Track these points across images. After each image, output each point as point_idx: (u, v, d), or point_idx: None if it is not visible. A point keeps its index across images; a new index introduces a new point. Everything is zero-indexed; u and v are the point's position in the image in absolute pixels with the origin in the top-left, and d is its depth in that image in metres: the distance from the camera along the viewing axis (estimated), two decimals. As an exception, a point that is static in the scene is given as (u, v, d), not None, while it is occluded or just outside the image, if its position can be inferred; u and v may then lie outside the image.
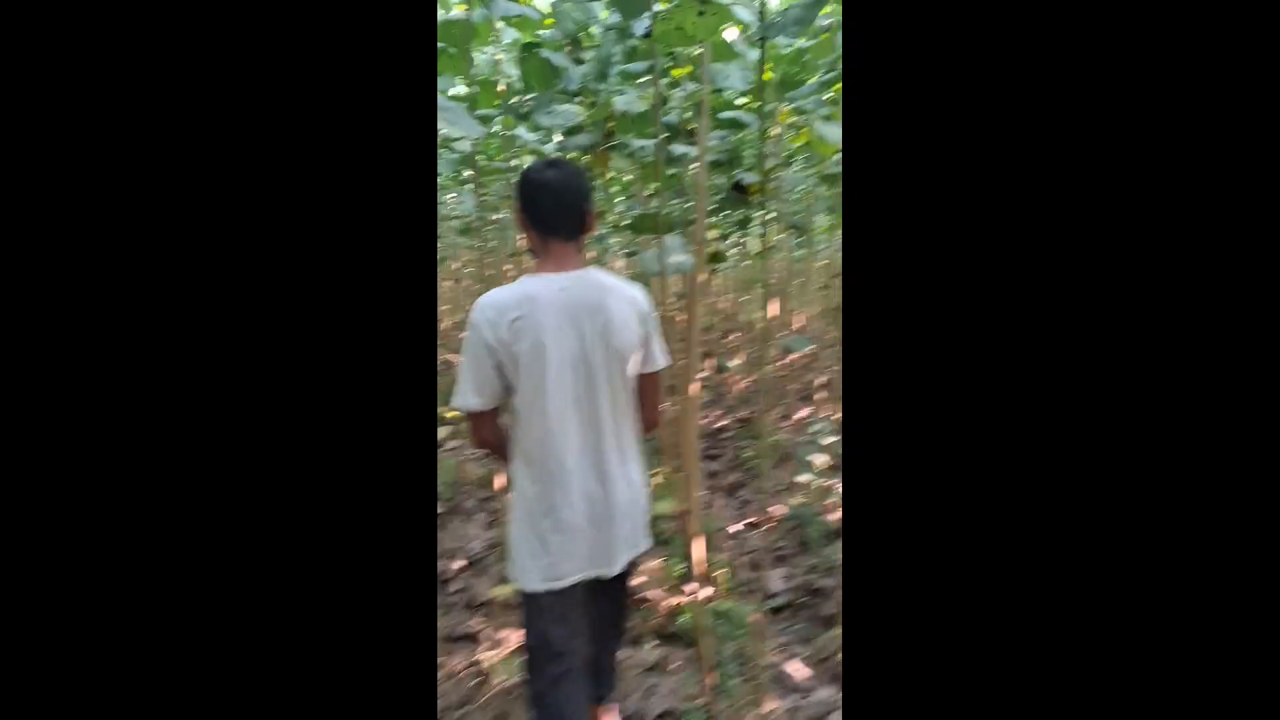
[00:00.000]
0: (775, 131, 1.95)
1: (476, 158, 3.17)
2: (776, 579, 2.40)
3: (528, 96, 1.95)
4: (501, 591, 2.27)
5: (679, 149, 1.99)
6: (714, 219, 2.93)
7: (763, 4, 1.01)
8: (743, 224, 3.31)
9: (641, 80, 1.91)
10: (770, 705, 1.78)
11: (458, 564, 2.54)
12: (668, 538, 2.62)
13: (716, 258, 2.84)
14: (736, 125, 2.18)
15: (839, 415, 4.06)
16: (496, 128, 2.57)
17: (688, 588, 2.28)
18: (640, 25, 1.50)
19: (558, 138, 2.25)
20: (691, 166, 2.22)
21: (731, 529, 2.84)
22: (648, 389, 1.36)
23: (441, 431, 3.82)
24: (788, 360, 4.38)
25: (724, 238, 3.55)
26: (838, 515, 2.82)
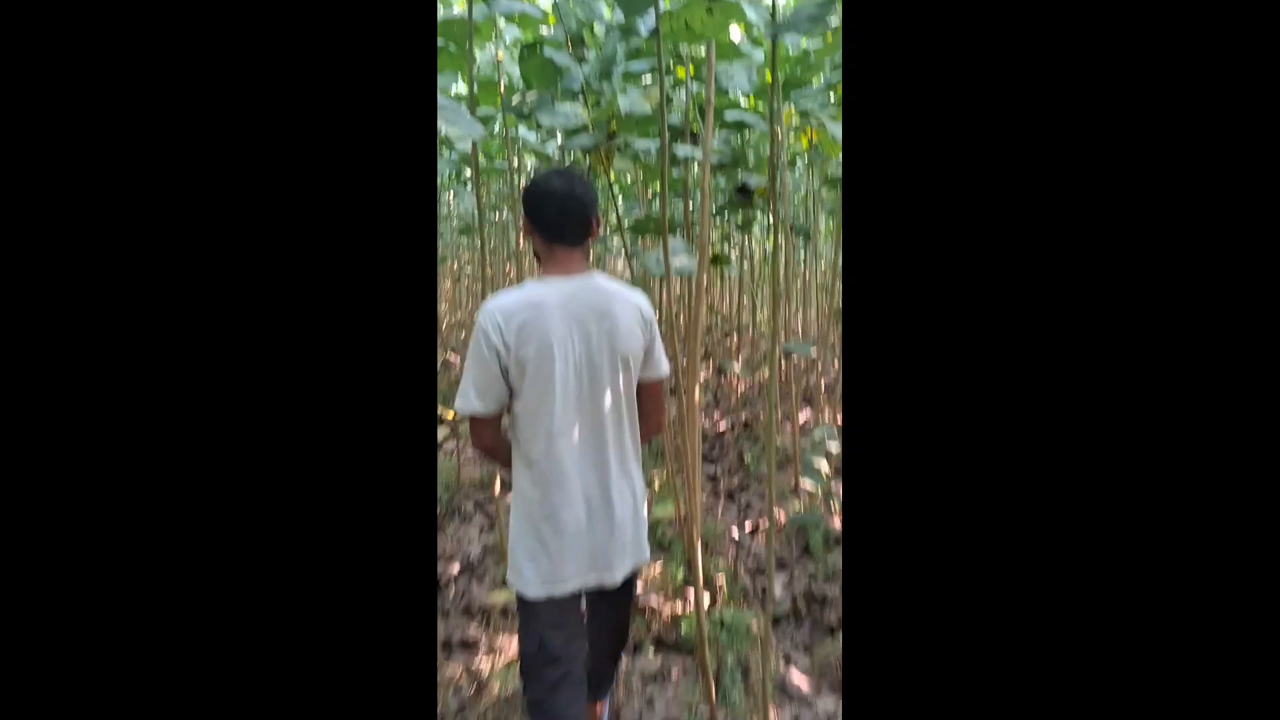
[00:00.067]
0: (779, 133, 1.92)
1: (477, 157, 3.15)
2: (778, 586, 2.37)
3: (529, 96, 1.92)
4: (499, 597, 2.24)
5: (682, 150, 1.96)
6: (716, 221, 2.90)
7: (774, 2, 0.99)
8: (745, 226, 3.29)
9: (645, 81, 1.89)
10: (772, 715, 1.75)
11: (455, 568, 2.51)
12: (668, 542, 2.60)
13: (718, 260, 2.82)
14: (740, 126, 2.16)
15: (840, 419, 4.03)
16: (497, 127, 2.54)
17: (689, 595, 2.25)
18: (645, 23, 1.48)
19: (559, 138, 2.22)
20: (694, 168, 2.19)
21: (733, 534, 2.81)
22: (650, 396, 1.36)
23: (439, 432, 3.80)
24: (789, 362, 4.37)
25: (726, 239, 3.52)
26: (840, 521, 2.79)
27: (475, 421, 1.26)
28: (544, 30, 2.02)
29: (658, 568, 2.40)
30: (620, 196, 3.73)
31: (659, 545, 2.58)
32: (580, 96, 1.89)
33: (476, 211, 2.60)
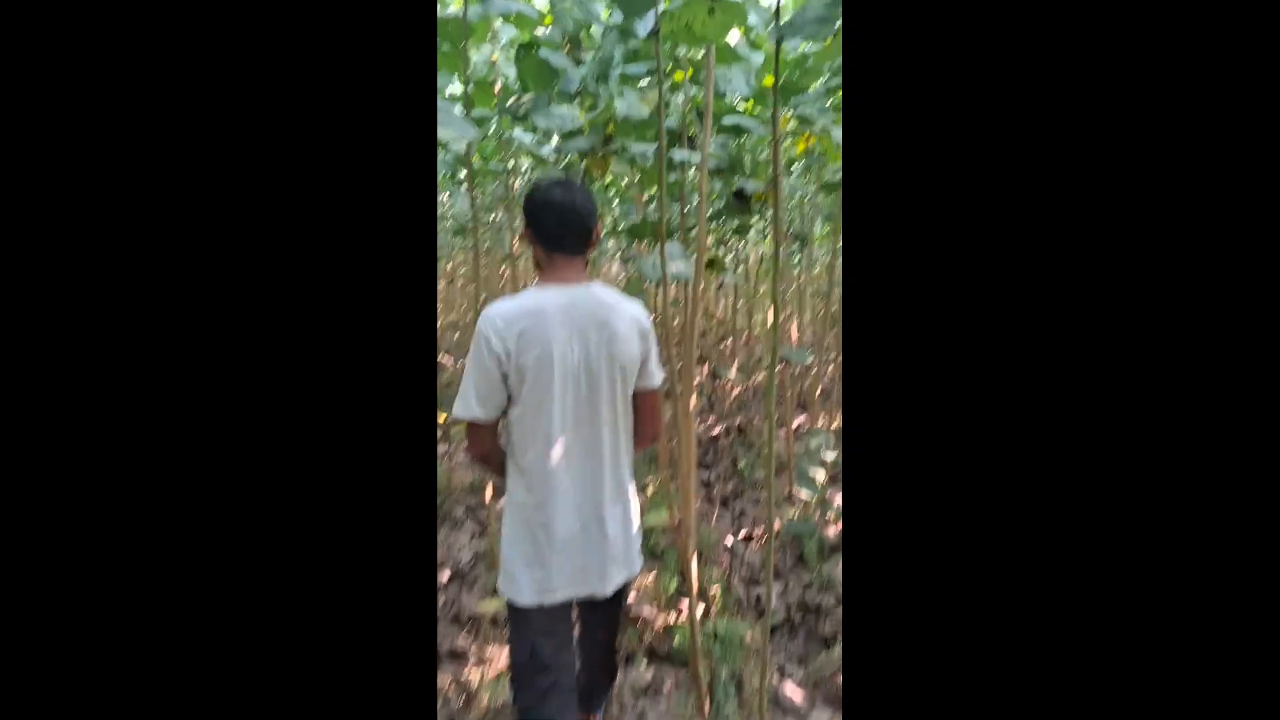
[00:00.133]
0: (777, 138, 1.90)
1: (472, 158, 3.11)
2: (773, 596, 2.34)
3: (525, 97, 1.89)
4: (490, 606, 2.20)
5: (679, 154, 1.94)
6: (712, 225, 2.89)
7: (777, 7, 0.96)
8: (741, 231, 3.27)
9: (642, 84, 1.86)
10: (766, 731, 1.72)
11: (445, 576, 2.47)
12: (661, 551, 2.57)
13: (714, 265, 2.79)
14: (738, 131, 2.13)
15: (837, 425, 4.02)
16: (494, 128, 2.51)
17: (682, 605, 2.22)
18: (644, 25, 1.45)
19: (555, 140, 2.19)
20: (691, 172, 2.17)
21: (727, 542, 2.78)
22: (645, 405, 1.36)
23: (431, 436, 3.75)
24: (784, 367, 4.35)
25: (721, 244, 3.50)
26: (835, 530, 2.77)
27: (474, 427, 1.26)
28: (541, 31, 1.99)
29: (651, 577, 2.37)
30: (617, 200, 3.70)
31: (652, 554, 2.55)
32: (577, 99, 1.86)
33: (471, 213, 2.56)
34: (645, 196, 2.83)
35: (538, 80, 1.77)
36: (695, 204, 2.36)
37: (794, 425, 4.07)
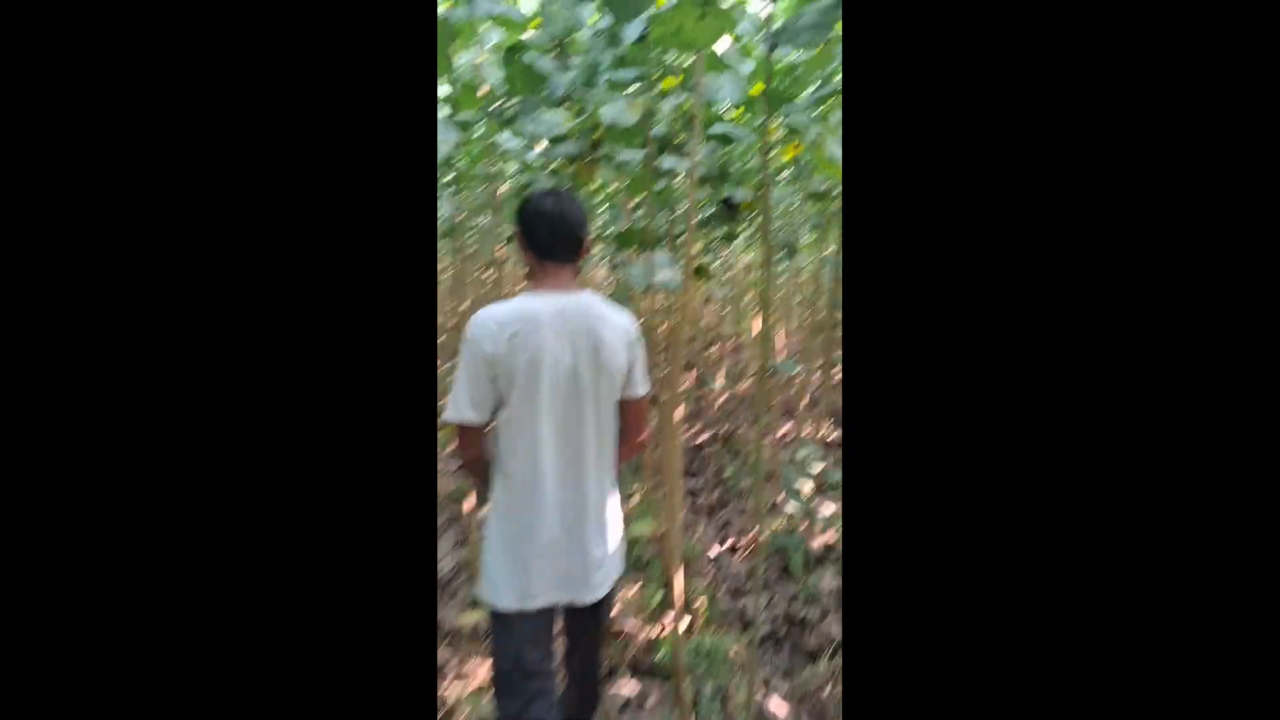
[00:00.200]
0: (766, 147, 1.89)
1: (456, 162, 3.07)
2: (757, 608, 2.32)
3: (511, 101, 1.86)
4: (469, 619, 2.16)
5: (667, 162, 1.92)
6: (700, 233, 2.87)
7: (770, 16, 0.94)
8: (728, 238, 3.26)
9: (630, 90, 1.84)
10: (751, 748, 1.69)
11: (425, 587, 2.42)
12: (646, 562, 2.53)
13: (701, 272, 2.78)
14: (726, 140, 2.12)
15: (823, 434, 4.01)
16: (480, 132, 2.47)
17: (666, 618, 2.19)
18: (632, 29, 1.43)
19: (542, 145, 2.17)
20: (679, 180, 2.15)
21: (712, 553, 2.75)
22: (631, 414, 1.37)
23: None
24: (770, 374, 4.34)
25: (708, 251, 3.50)
26: (820, 541, 2.75)
27: (465, 431, 1.27)
28: (528, 35, 1.97)
29: (635, 590, 2.34)
30: (606, 206, 3.68)
31: (636, 565, 2.51)
32: (564, 104, 1.84)
33: (453, 217, 2.53)
34: (632, 204, 2.81)
35: (524, 84, 1.74)
36: (683, 211, 2.34)
37: (780, 434, 4.06)
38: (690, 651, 2.00)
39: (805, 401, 4.30)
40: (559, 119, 1.75)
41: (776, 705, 1.87)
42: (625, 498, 3.09)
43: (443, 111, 2.10)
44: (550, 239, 1.27)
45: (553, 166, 2.31)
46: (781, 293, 5.17)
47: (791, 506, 2.67)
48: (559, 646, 1.45)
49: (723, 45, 1.88)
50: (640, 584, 2.37)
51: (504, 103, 1.92)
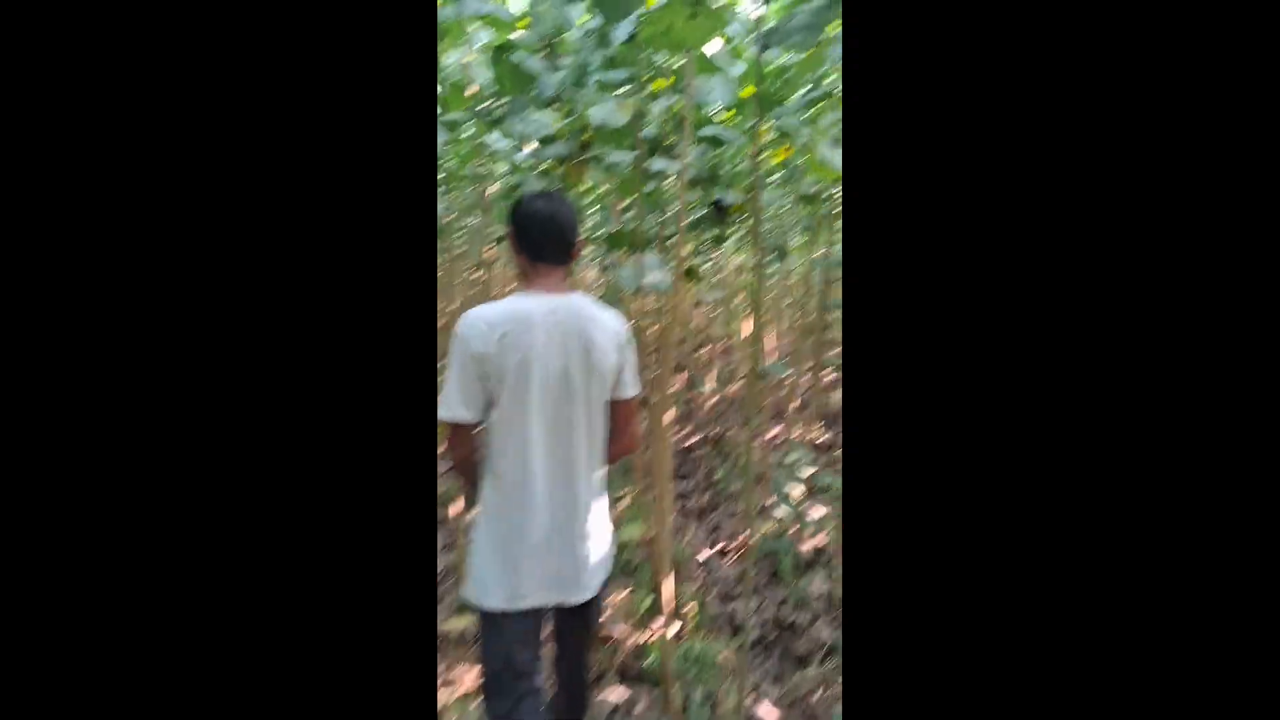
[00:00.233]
0: (756, 150, 1.88)
1: (445, 163, 3.05)
2: (747, 613, 2.31)
3: (499, 102, 1.84)
4: (457, 624, 2.13)
5: (657, 164, 1.90)
6: (690, 235, 2.87)
7: (762, 18, 0.93)
8: (719, 241, 3.25)
9: (620, 91, 1.83)
10: (740, 754, 1.68)
11: (412, 591, 2.40)
12: (635, 566, 2.52)
13: (692, 274, 2.76)
14: (716, 142, 2.11)
15: (812, 437, 4.01)
16: (468, 133, 2.45)
17: (655, 624, 2.17)
18: (622, 30, 1.41)
19: (531, 146, 2.15)
20: (669, 182, 2.13)
21: (701, 556, 2.74)
22: (621, 415, 1.37)
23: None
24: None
25: (698, 253, 3.49)
26: (810, 545, 2.74)
27: (456, 429, 1.27)
28: (517, 34, 1.95)
29: (624, 595, 2.32)
30: (598, 208, 3.67)
31: (625, 570, 2.50)
32: (553, 105, 1.82)
33: (443, 218, 2.50)
34: (622, 205, 2.79)
35: (513, 85, 1.72)
36: (673, 213, 2.32)
37: (769, 436, 4.06)
38: (679, 657, 1.98)
39: (795, 404, 4.30)
40: (548, 120, 1.73)
41: (766, 711, 1.86)
42: (615, 501, 3.07)
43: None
44: (542, 240, 1.28)
45: (542, 168, 2.29)
46: (771, 295, 5.17)
47: (781, 510, 2.66)
48: (548, 651, 1.44)
49: (713, 47, 1.87)
50: (629, 589, 2.35)
51: (492, 103, 1.90)
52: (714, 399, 4.97)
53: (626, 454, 1.41)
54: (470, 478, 1.34)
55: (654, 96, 1.93)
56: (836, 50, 1.54)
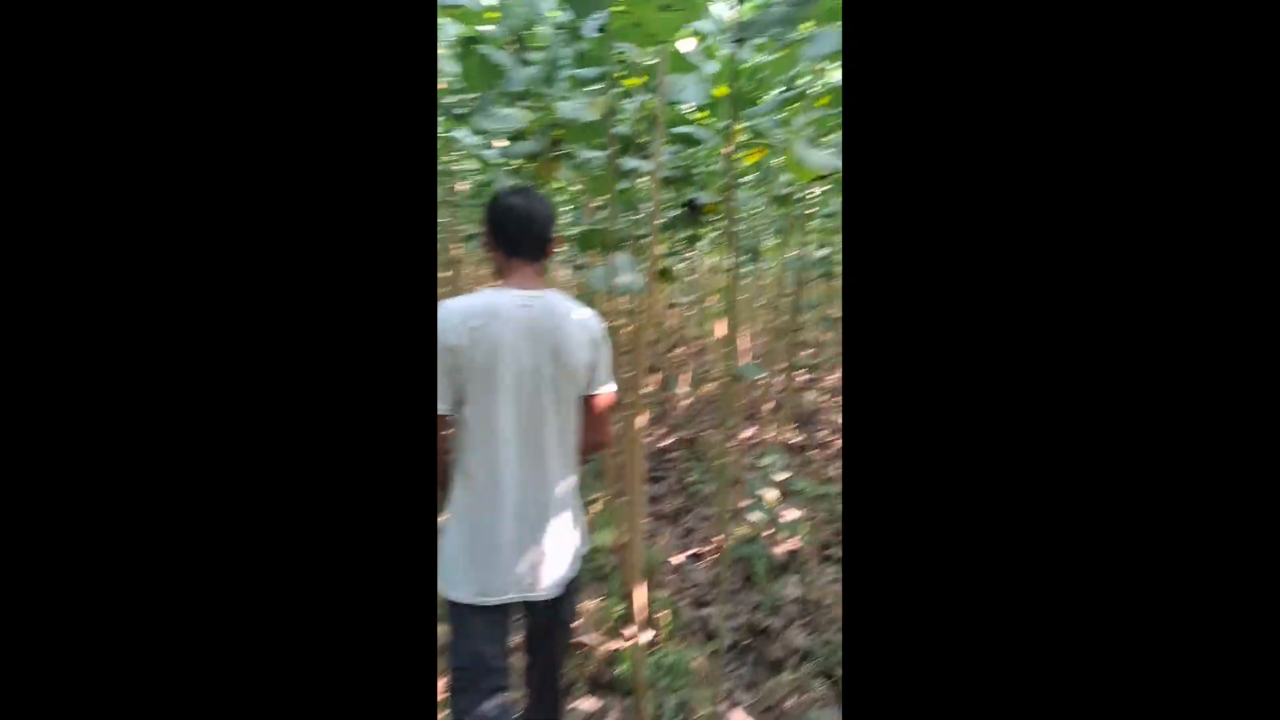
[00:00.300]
0: (730, 150, 1.86)
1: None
2: (720, 619, 2.28)
3: (468, 97, 1.79)
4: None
5: (630, 163, 1.87)
6: (663, 235, 2.84)
7: (736, 16, 0.90)
8: (692, 241, 3.23)
9: (592, 88, 1.79)
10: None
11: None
12: (606, 573, 2.48)
13: (665, 275, 2.73)
14: (690, 141, 2.08)
15: (785, 438, 4.00)
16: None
17: (627, 632, 2.13)
18: (593, 24, 1.38)
19: (500, 143, 2.10)
20: (642, 181, 2.10)
21: (674, 560, 2.71)
22: (594, 411, 1.38)
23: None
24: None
25: (672, 254, 3.46)
26: (784, 549, 2.73)
27: None
28: (486, 28, 1.89)
29: (596, 602, 2.28)
30: (571, 206, 3.62)
31: (597, 576, 2.45)
32: (523, 100, 1.77)
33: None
34: (595, 204, 2.75)
35: (480, 79, 1.67)
36: (646, 213, 2.29)
37: (743, 438, 4.05)
38: (652, 665, 1.95)
39: (769, 406, 4.30)
40: (517, 115, 1.68)
41: (739, 718, 1.83)
42: (587, 504, 3.02)
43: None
44: (518, 236, 1.29)
45: (512, 165, 2.24)
46: (745, 296, 5.17)
47: (755, 515, 2.64)
48: (520, 658, 1.43)
49: (687, 45, 1.84)
50: (601, 597, 2.31)
51: (461, 98, 1.85)
52: (688, 400, 4.95)
53: (598, 448, 1.42)
54: (440, 476, 1.31)
55: (627, 94, 1.90)
56: (810, 50, 1.52)
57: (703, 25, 1.73)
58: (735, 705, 1.89)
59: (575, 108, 1.42)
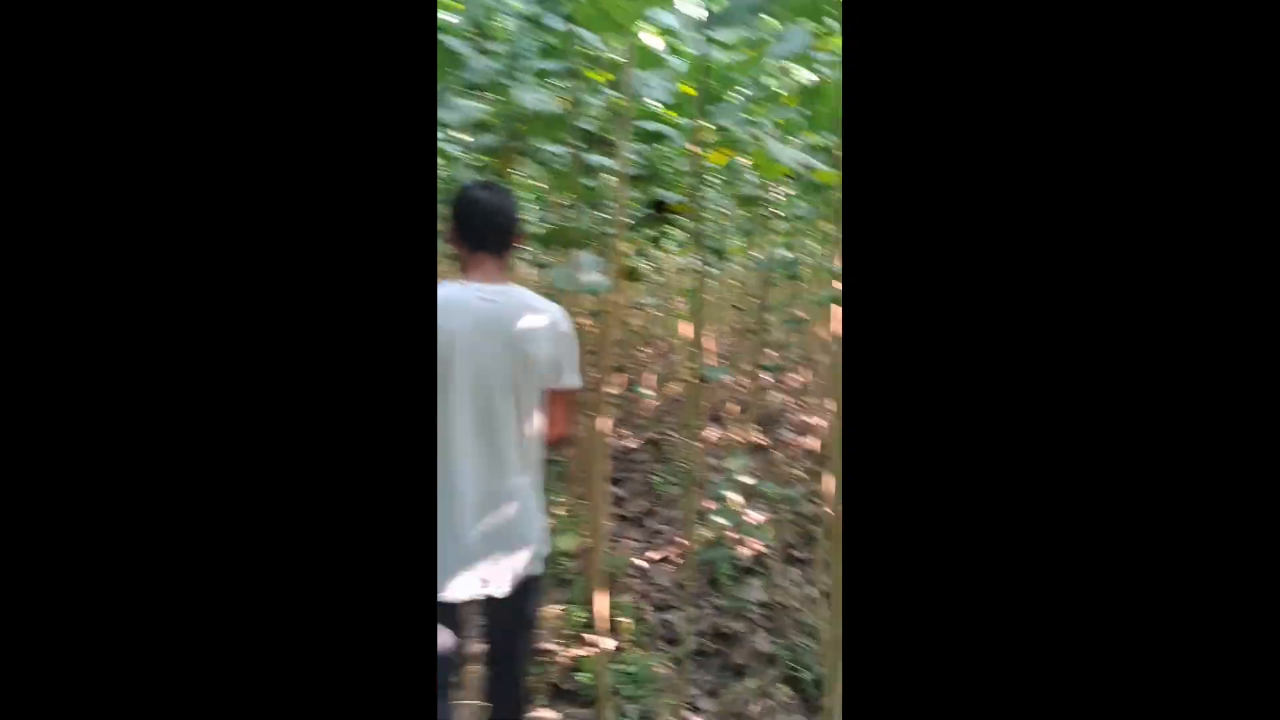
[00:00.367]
0: (697, 149, 1.83)
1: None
2: (683, 622, 2.25)
3: (427, 86, 1.72)
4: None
5: (595, 159, 1.82)
6: (629, 234, 2.80)
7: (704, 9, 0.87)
8: (657, 241, 3.19)
9: (556, 81, 1.74)
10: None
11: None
12: (569, 578, 2.43)
13: (631, 275, 2.70)
14: (657, 139, 2.04)
15: (750, 439, 4.00)
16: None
17: (589, 639, 2.08)
18: (554, 14, 1.33)
19: (460, 135, 2.03)
20: (607, 178, 2.06)
21: (638, 562, 2.68)
22: (559, 404, 1.37)
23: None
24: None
25: (638, 253, 3.43)
26: (748, 551, 2.71)
27: None
28: (447, 16, 1.83)
29: (557, 609, 2.23)
30: (535, 201, 3.55)
31: (559, 581, 2.40)
32: (484, 91, 1.72)
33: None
34: (561, 202, 2.70)
35: (441, 69, 1.61)
36: (612, 211, 2.25)
37: (709, 439, 4.04)
38: (614, 673, 1.90)
39: (735, 408, 4.29)
40: (476, 106, 1.63)
41: (703, 726, 1.80)
42: (549, 506, 2.97)
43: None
44: (483, 228, 1.28)
45: (474, 158, 2.18)
46: (710, 297, 5.16)
47: (721, 519, 2.62)
48: (482, 659, 1.40)
49: (654, 41, 1.80)
50: (563, 604, 2.26)
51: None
52: (653, 401, 4.92)
53: (560, 440, 1.42)
54: None
55: (593, 89, 1.85)
56: (778, 48, 1.50)
57: (670, 21, 1.69)
58: (698, 713, 1.86)
59: (537, 99, 1.37)
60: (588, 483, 1.89)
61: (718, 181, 3.06)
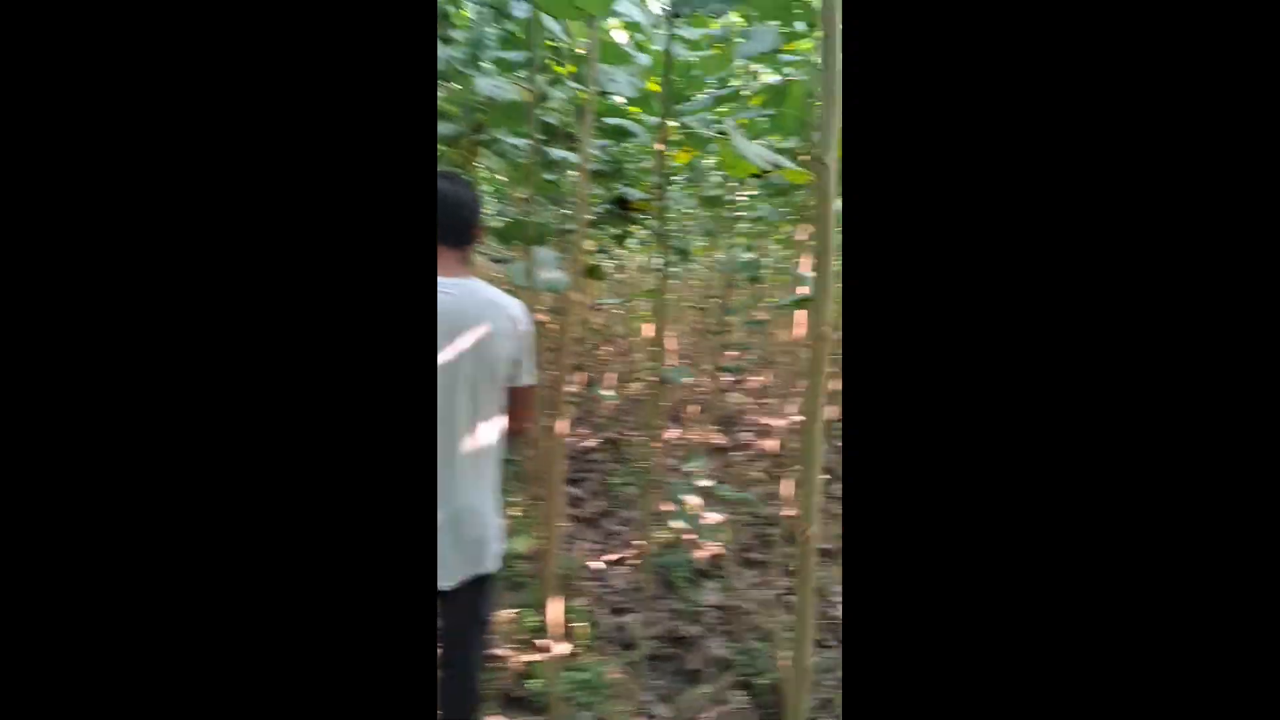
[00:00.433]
0: (662, 146, 1.80)
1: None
2: (638, 627, 2.22)
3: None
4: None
5: (557, 153, 1.78)
6: (591, 231, 2.76)
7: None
8: (620, 239, 3.16)
9: (519, 71, 1.69)
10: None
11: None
12: (522, 580, 2.38)
13: (594, 273, 2.65)
14: (622, 134, 2.01)
15: (709, 440, 4.00)
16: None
17: (541, 644, 2.04)
18: (517, 3, 1.29)
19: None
20: (570, 173, 2.02)
21: (593, 565, 2.64)
22: (519, 400, 1.36)
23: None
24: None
25: (602, 250, 3.39)
26: (705, 554, 2.70)
27: None
28: None
29: (509, 613, 2.17)
30: (494, 195, 3.48)
31: (512, 585, 2.35)
32: (443, 80, 1.66)
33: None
34: (522, 195, 2.65)
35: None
36: (574, 207, 2.21)
37: (667, 438, 4.02)
38: (567, 679, 1.87)
39: (693, 408, 4.29)
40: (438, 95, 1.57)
41: (656, 732, 1.78)
42: (504, 506, 2.92)
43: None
44: (443, 222, 1.24)
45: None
46: (672, 297, 5.15)
47: (678, 521, 2.61)
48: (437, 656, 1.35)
49: (619, 35, 1.77)
50: (516, 608, 2.21)
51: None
52: (613, 401, 4.89)
53: (519, 433, 1.41)
54: None
55: (555, 80, 1.81)
56: (745, 47, 1.48)
57: (636, 15, 1.66)
58: (651, 719, 1.83)
59: (496, 86, 1.33)
60: (545, 483, 1.85)
61: (681, 181, 3.04)
